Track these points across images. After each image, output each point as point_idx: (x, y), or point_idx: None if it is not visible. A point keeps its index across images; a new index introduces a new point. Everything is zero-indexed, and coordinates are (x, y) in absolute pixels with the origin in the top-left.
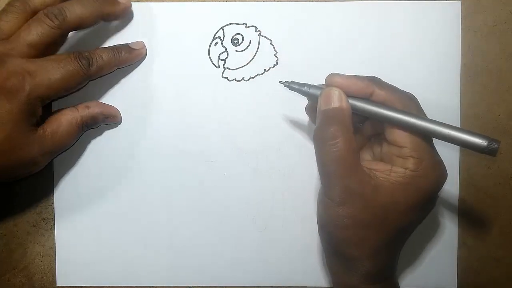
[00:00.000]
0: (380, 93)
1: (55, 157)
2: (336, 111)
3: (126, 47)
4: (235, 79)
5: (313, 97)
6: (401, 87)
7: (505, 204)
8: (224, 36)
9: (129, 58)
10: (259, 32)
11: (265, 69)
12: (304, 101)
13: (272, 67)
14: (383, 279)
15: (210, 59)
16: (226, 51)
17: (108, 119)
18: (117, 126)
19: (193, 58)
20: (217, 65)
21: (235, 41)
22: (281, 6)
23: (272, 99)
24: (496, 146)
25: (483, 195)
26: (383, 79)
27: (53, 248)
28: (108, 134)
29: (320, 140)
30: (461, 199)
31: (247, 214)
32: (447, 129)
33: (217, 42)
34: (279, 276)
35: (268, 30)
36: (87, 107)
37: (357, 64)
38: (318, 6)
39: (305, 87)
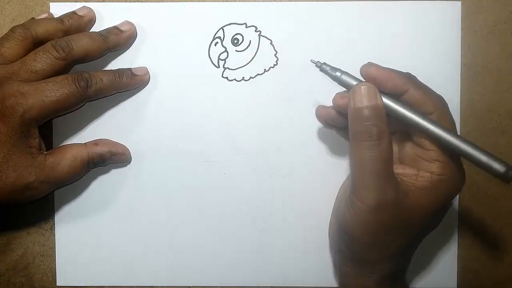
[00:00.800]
0: (414, 94)
1: (57, 189)
2: (378, 110)
3: (128, 72)
4: (235, 79)
5: (345, 84)
6: None
7: (505, 204)
8: (224, 36)
9: (131, 84)
10: (259, 32)
11: (265, 69)
12: (304, 101)
13: (272, 67)
14: (397, 280)
15: (210, 59)
16: (226, 51)
17: (117, 158)
18: (126, 165)
19: (193, 58)
20: (217, 65)
21: (235, 41)
22: (281, 6)
23: (272, 99)
24: None
25: (483, 195)
26: None
27: (53, 248)
28: (108, 134)
29: (363, 138)
30: (461, 199)
31: (247, 214)
32: (471, 148)
33: (217, 42)
34: (279, 276)
35: (268, 30)
36: (96, 144)
37: (357, 64)
38: (318, 6)
39: (338, 72)
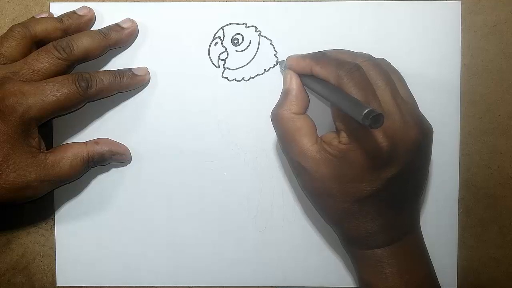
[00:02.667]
0: (317, 71)
1: (57, 188)
2: (288, 91)
3: (129, 72)
4: (235, 79)
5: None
6: None
7: (505, 204)
8: (224, 36)
9: (131, 84)
10: (259, 32)
11: (265, 69)
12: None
13: (272, 67)
14: (397, 238)
15: (210, 59)
16: (226, 51)
17: (117, 157)
18: (126, 165)
19: (193, 58)
20: (217, 65)
21: (235, 41)
22: (281, 6)
23: (272, 99)
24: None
25: (483, 195)
26: None
27: (53, 248)
28: (108, 134)
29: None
30: (461, 199)
31: (247, 214)
32: (338, 97)
33: (217, 42)
34: (279, 276)
35: (268, 30)
36: (96, 143)
37: None
38: (318, 6)
39: (283, 67)
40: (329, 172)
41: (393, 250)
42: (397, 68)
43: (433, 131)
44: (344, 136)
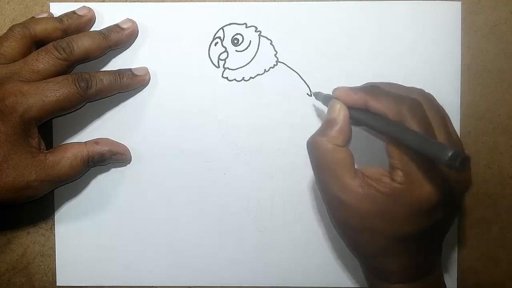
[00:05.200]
0: (374, 105)
1: (56, 188)
2: (334, 121)
3: (129, 72)
4: (235, 79)
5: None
6: None
7: (505, 204)
8: (224, 36)
9: (131, 84)
10: (259, 32)
11: (265, 69)
12: (304, 101)
13: (272, 67)
14: (423, 275)
15: (210, 59)
16: (226, 51)
17: (117, 157)
18: (126, 165)
19: (193, 58)
20: (217, 65)
21: (235, 41)
22: (281, 6)
23: (272, 99)
24: (459, 159)
25: (483, 195)
26: (382, 79)
27: (53, 248)
28: (108, 134)
29: (318, 143)
30: None
31: (247, 214)
32: (415, 139)
33: (217, 42)
34: (279, 276)
35: (268, 30)
36: (96, 143)
37: (357, 64)
38: (318, 6)
39: (322, 99)
40: (373, 209)
41: (415, 286)
42: (397, 69)
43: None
44: (400, 175)
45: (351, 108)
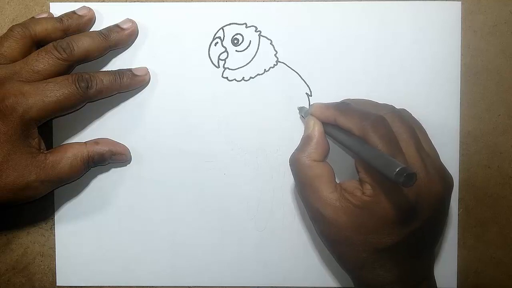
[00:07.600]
0: (341, 121)
1: (56, 188)
2: (309, 137)
3: (129, 72)
4: (235, 79)
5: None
6: (401, 87)
7: (505, 204)
8: (224, 36)
9: (131, 84)
10: (259, 32)
11: (265, 69)
12: (304, 101)
13: (272, 67)
14: (412, 286)
15: (210, 59)
16: (226, 51)
17: (117, 157)
18: (126, 165)
19: (193, 58)
20: (217, 65)
21: (235, 41)
22: (281, 6)
23: (272, 99)
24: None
25: (483, 195)
26: (382, 79)
27: (53, 248)
28: (108, 134)
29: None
30: (461, 199)
31: (247, 214)
32: (370, 155)
33: (217, 42)
34: (279, 276)
35: (268, 30)
36: (96, 143)
37: (357, 64)
38: (318, 6)
39: (303, 114)
40: (349, 221)
41: None
42: (397, 69)
43: (453, 183)
44: (368, 189)
45: (325, 124)
